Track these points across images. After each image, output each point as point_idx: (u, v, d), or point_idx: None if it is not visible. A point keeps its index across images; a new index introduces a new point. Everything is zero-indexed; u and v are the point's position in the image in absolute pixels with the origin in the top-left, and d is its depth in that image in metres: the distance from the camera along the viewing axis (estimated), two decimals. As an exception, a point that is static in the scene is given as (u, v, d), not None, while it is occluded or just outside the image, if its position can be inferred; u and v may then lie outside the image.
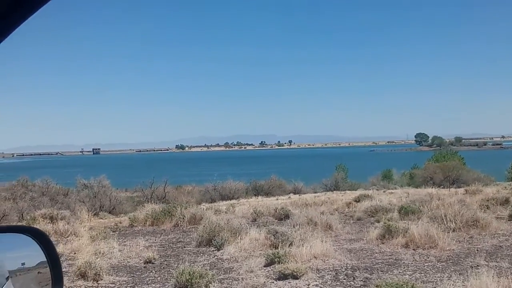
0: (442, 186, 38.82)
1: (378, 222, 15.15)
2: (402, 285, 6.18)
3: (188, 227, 15.90)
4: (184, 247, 12.35)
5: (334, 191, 44.52)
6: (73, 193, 46.00)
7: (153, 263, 10.33)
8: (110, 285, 8.73)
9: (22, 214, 31.46)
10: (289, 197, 37.78)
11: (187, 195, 50.57)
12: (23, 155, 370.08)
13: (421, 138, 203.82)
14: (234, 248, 11.37)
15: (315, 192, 45.55)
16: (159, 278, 9.06)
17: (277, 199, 33.39)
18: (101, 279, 8.89)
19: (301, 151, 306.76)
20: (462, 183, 45.29)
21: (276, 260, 9.27)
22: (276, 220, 16.61)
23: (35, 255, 2.12)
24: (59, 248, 12.15)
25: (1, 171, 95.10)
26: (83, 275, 8.86)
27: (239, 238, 12.00)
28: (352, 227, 14.45)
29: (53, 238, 14.57)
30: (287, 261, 9.19)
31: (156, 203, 35.21)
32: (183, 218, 16.37)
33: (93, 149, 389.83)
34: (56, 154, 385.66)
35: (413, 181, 54.53)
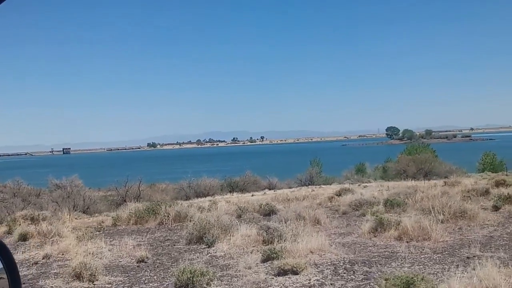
0: (416, 179, 39.36)
1: (364, 215, 15.25)
2: (412, 277, 6.17)
3: (173, 225, 15.73)
4: (174, 245, 12.18)
5: (309, 186, 44.79)
6: (46, 193, 45.27)
7: (145, 262, 10.16)
8: (107, 285, 8.54)
9: None
10: (264, 193, 37.89)
11: (162, 193, 50.27)
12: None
13: (392, 132, 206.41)
14: (225, 245, 11.28)
15: (290, 188, 45.75)
16: (155, 277, 8.91)
17: (252, 195, 33.41)
18: (97, 280, 8.69)
19: (274, 147, 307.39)
20: (435, 175, 46.15)
21: (272, 256, 9.21)
22: (262, 216, 16.55)
23: None
24: (46, 249, 11.88)
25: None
26: (78, 276, 8.65)
27: (229, 235, 11.91)
28: (339, 221, 14.48)
29: (36, 240, 14.25)
30: (283, 256, 9.14)
31: (131, 201, 34.89)
32: (168, 216, 16.18)
33: (63, 148, 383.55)
34: (25, 154, 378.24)
35: (387, 174, 55.27)
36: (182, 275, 7.55)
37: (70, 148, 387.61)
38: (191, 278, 7.48)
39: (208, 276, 7.66)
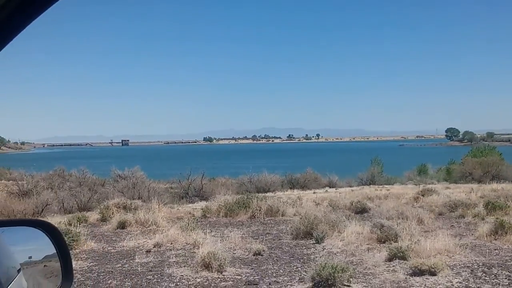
0: (482, 182, 38.00)
1: (463, 217, 14.74)
2: None
3: (266, 219, 15.62)
4: (280, 239, 12.03)
5: (371, 185, 43.92)
6: (109, 183, 46.31)
7: (262, 255, 10.05)
8: (236, 276, 8.47)
9: (81, 203, 31.74)
10: (326, 190, 37.32)
11: (223, 188, 50.49)
12: (54, 145, 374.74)
13: (451, 133, 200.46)
14: (336, 241, 11.05)
15: (350, 186, 45.01)
16: (281, 271, 8.78)
17: (314, 193, 32.87)
18: (225, 271, 8.63)
19: (329, 144, 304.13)
20: (503, 179, 44.33)
21: (399, 254, 8.90)
22: (353, 213, 16.22)
23: (45, 248, 2.16)
24: (155, 238, 12.00)
25: (34, 161, 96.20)
26: (206, 266, 8.61)
27: (337, 231, 11.67)
28: (440, 222, 13.97)
29: (134, 228, 14.45)
30: (410, 256, 8.82)
31: (194, 195, 35.07)
32: (260, 210, 16.08)
33: (122, 140, 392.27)
34: (86, 145, 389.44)
35: (450, 176, 53.58)
36: (323, 271, 7.34)
37: (128, 140, 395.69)
38: (332, 274, 7.27)
39: (349, 273, 7.43)
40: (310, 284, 7.64)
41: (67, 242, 2.34)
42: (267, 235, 12.91)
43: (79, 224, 16.24)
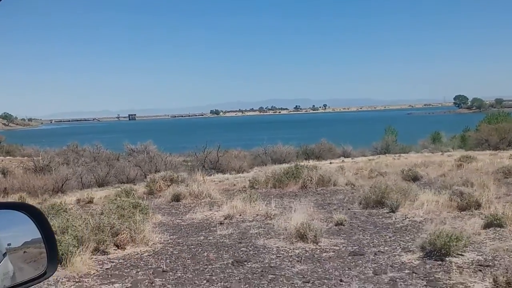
0: (499, 149, 37.71)
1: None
2: None
3: (318, 189, 15.36)
4: (348, 209, 11.77)
5: (386, 154, 43.68)
6: (124, 157, 46.16)
7: (343, 225, 9.81)
8: (334, 247, 8.26)
9: (146, 175, 31.68)
10: (343, 160, 37.04)
11: (239, 160, 50.25)
12: (61, 121, 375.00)
13: (460, 101, 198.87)
14: (411, 209, 10.80)
15: (364, 156, 44.80)
16: (375, 241, 8.57)
17: (330, 163, 32.54)
18: (320, 241, 8.40)
19: (337, 115, 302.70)
20: (519, 145, 43.98)
21: (495, 222, 8.64)
22: (405, 181, 15.93)
23: (28, 233, 2.12)
24: (222, 211, 11.79)
25: (43, 137, 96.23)
26: (301, 237, 8.38)
27: (408, 200, 11.41)
28: (506, 189, 13.66)
29: (189, 201, 14.24)
30: (506, 223, 8.57)
31: (210, 168, 34.78)
32: (311, 180, 15.81)
33: (129, 115, 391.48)
34: (93, 120, 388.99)
35: (465, 143, 53.23)
36: (437, 239, 7.08)
37: (135, 115, 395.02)
38: (447, 243, 7.02)
39: (463, 242, 7.17)
40: (421, 254, 7.41)
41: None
42: (329, 205, 12.66)
43: (127, 197, 16.08)
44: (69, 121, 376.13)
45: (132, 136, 68.76)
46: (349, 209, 11.82)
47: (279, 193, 15.30)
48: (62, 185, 31.60)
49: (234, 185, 18.34)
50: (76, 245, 7.34)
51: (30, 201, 16.46)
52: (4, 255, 2.00)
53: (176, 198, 14.60)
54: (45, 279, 2.17)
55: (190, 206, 13.55)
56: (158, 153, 43.76)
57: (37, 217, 2.17)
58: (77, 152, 49.19)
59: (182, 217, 11.87)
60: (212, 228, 10.28)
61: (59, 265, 6.82)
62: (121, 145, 52.89)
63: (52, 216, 11.73)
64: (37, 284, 2.10)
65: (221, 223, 10.69)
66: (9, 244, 2.06)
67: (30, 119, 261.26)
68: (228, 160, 44.28)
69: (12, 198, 16.82)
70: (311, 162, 38.07)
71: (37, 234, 2.13)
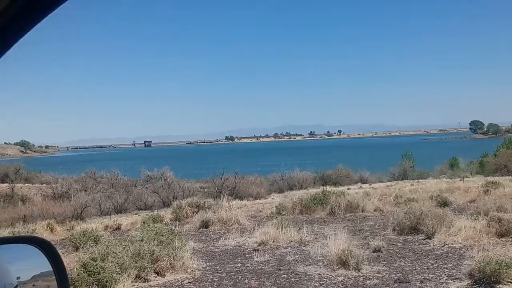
0: None
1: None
2: None
3: (346, 215, 15.22)
4: (383, 235, 11.61)
5: (404, 180, 43.29)
6: (141, 184, 46.25)
7: (381, 252, 9.67)
8: (377, 274, 8.13)
9: (164, 202, 31.69)
10: (360, 186, 36.72)
11: (257, 186, 50.12)
12: (77, 148, 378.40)
13: (475, 126, 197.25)
14: (448, 236, 10.62)
15: (381, 181, 44.39)
16: (418, 268, 8.42)
17: (348, 189, 32.23)
18: (362, 268, 8.27)
19: (351, 141, 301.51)
20: (539, 172, 43.37)
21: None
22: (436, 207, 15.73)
23: (40, 265, 2.12)
24: (255, 237, 11.70)
25: (60, 164, 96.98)
26: (343, 264, 8.27)
27: (444, 226, 11.22)
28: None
29: (218, 227, 14.17)
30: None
31: (227, 194, 34.64)
32: (339, 206, 15.67)
33: (144, 141, 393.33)
34: (109, 147, 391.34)
35: (483, 169, 52.63)
36: (486, 266, 6.93)
37: (151, 141, 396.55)
38: (497, 270, 6.87)
39: (514, 268, 7.01)
40: (469, 281, 7.25)
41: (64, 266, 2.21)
42: (361, 231, 12.52)
43: (154, 224, 16.06)
44: (86, 148, 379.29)
45: (148, 162, 68.86)
46: (383, 235, 11.66)
47: (307, 219, 15.18)
48: (81, 212, 31.68)
49: (260, 211, 18.28)
50: (120, 272, 7.30)
51: (58, 227, 16.49)
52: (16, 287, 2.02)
53: (205, 224, 14.56)
54: None
55: (219, 232, 13.49)
56: (176, 179, 43.86)
57: (47, 249, 2.17)
58: (95, 179, 49.38)
59: (214, 243, 11.80)
60: (247, 255, 10.19)
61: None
62: (138, 171, 53.05)
63: (89, 243, 11.74)
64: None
65: (255, 250, 10.60)
66: (18, 278, 2.06)
67: (47, 146, 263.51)
68: (246, 186, 44.15)
69: (40, 225, 16.84)
70: (329, 188, 37.86)
71: (47, 267, 2.12)
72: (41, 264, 2.11)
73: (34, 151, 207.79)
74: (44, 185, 48.15)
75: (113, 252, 7.93)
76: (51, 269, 2.12)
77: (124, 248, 8.19)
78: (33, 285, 2.13)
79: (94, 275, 6.97)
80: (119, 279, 7.12)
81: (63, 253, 11.19)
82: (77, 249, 11.90)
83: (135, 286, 7.63)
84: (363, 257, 8.46)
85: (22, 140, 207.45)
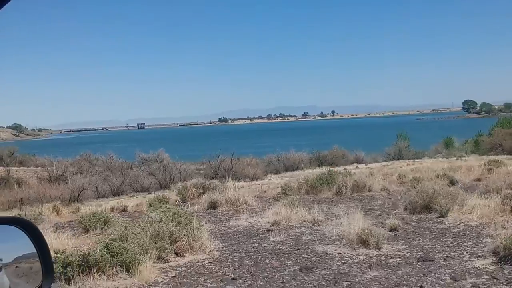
0: None
1: None
2: None
3: (353, 195, 15.20)
4: (395, 214, 11.60)
5: (400, 160, 43.39)
6: (136, 166, 46.12)
7: (397, 231, 9.65)
8: (398, 253, 8.10)
9: (161, 184, 31.55)
10: (356, 166, 36.78)
11: (253, 167, 50.12)
12: (70, 131, 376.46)
13: (468, 106, 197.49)
14: (462, 214, 10.61)
15: (376, 162, 44.47)
16: (438, 246, 8.40)
17: (344, 169, 32.22)
18: (382, 247, 8.24)
19: (345, 121, 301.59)
20: (534, 150, 43.59)
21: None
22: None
23: (24, 247, 2.12)
24: (267, 217, 11.65)
25: (53, 146, 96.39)
26: (363, 243, 8.23)
27: (456, 204, 11.21)
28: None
29: (226, 208, 14.11)
30: None
31: (223, 176, 34.60)
32: (345, 186, 15.63)
33: (137, 124, 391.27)
34: (102, 129, 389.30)
35: (479, 148, 52.81)
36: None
37: (144, 123, 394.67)
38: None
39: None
40: (494, 259, 7.23)
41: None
42: (371, 211, 12.49)
43: (161, 205, 15.98)
44: (79, 130, 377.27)
45: (142, 145, 68.49)
46: (394, 214, 11.64)
47: (314, 199, 15.14)
48: (79, 194, 31.57)
49: (265, 191, 18.24)
50: (142, 253, 7.22)
51: (64, 209, 16.38)
52: (0, 269, 2.02)
53: (213, 205, 14.50)
54: None
55: (228, 213, 13.44)
56: (172, 161, 43.72)
57: (31, 231, 2.16)
58: (90, 162, 49.19)
59: (225, 224, 11.75)
60: (261, 235, 10.15)
61: (128, 273, 6.72)
62: (132, 154, 52.83)
63: (99, 225, 11.66)
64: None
65: (269, 230, 10.55)
66: (0, 260, 2.06)
67: (39, 129, 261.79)
68: (242, 167, 44.14)
69: (46, 207, 16.72)
70: (324, 169, 37.89)
71: (31, 248, 2.13)
72: (24, 245, 2.11)
73: (27, 134, 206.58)
74: (39, 168, 47.93)
75: (132, 233, 7.84)
76: (35, 250, 2.12)
77: (143, 229, 8.11)
78: (16, 266, 2.14)
79: (117, 256, 6.88)
80: (142, 260, 7.04)
81: (73, 235, 11.12)
82: (87, 231, 11.83)
83: (157, 267, 7.55)
84: (383, 236, 8.41)
85: (14, 123, 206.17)
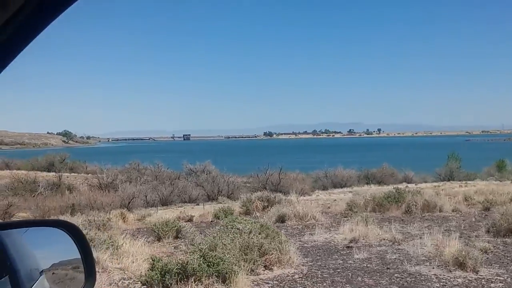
0: None
1: None
2: None
3: (424, 215, 14.78)
4: (476, 236, 11.15)
5: (450, 181, 42.29)
6: (183, 177, 46.41)
7: (487, 254, 9.23)
8: (498, 277, 7.71)
9: (208, 195, 31.65)
10: (406, 186, 35.90)
11: (300, 182, 49.70)
12: (118, 139, 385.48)
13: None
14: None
15: (425, 182, 43.44)
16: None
17: (394, 188, 31.40)
18: (479, 271, 7.88)
19: (391, 139, 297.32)
20: None
21: None
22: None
23: (67, 249, 2.10)
24: (343, 234, 11.41)
25: (101, 154, 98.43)
26: (460, 265, 7.89)
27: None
28: None
29: (294, 222, 13.93)
30: None
31: (271, 190, 34.38)
32: (415, 205, 15.22)
33: (183, 135, 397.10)
34: (149, 139, 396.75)
35: (533, 172, 51.01)
36: None
37: (190, 135, 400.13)
38: None
39: None
40: None
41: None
42: (448, 232, 12.04)
43: (226, 216, 15.94)
44: (126, 139, 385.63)
45: (188, 156, 69.35)
46: (476, 237, 11.20)
47: (382, 217, 14.80)
48: (129, 202, 32.00)
49: (329, 207, 18.00)
50: (237, 264, 7.11)
51: (131, 216, 16.55)
52: (41, 273, 2.01)
53: (281, 219, 14.35)
54: None
55: (297, 227, 13.25)
56: (220, 173, 43.88)
57: (75, 233, 2.17)
58: (138, 171, 49.91)
59: (300, 238, 11.57)
60: (341, 251, 9.92)
61: (224, 284, 6.61)
62: (178, 164, 53.36)
63: (171, 234, 11.67)
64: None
65: (348, 247, 10.30)
66: (46, 262, 2.06)
67: (88, 137, 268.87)
68: (289, 182, 43.87)
69: (113, 214, 16.94)
70: (373, 187, 37.36)
71: (74, 251, 2.13)
72: (68, 248, 2.12)
73: (76, 142, 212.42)
74: (90, 175, 48.99)
75: (223, 244, 7.75)
76: (78, 254, 2.13)
77: (232, 240, 8.00)
78: (61, 269, 2.15)
79: (213, 266, 6.79)
80: (237, 272, 6.92)
81: (147, 241, 11.14)
82: (159, 239, 11.85)
83: (249, 279, 7.42)
84: (481, 258, 8.05)
85: (64, 130, 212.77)
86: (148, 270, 6.80)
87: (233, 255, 7.44)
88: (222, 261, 6.84)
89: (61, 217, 21.54)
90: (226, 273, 6.78)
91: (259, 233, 8.45)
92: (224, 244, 7.74)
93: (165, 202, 33.85)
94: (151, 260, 6.97)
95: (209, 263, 6.79)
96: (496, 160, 60.42)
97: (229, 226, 8.71)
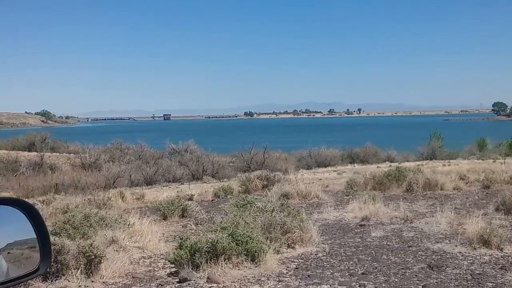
0: None
1: None
2: None
3: (425, 193, 14.80)
4: (485, 214, 11.13)
5: (433, 160, 42.75)
6: (167, 156, 46.12)
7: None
8: (520, 256, 7.65)
9: (193, 175, 31.31)
10: (390, 165, 36.13)
11: (284, 162, 49.70)
12: (97, 119, 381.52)
13: (498, 107, 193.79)
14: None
15: (407, 161, 43.81)
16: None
17: (378, 167, 31.52)
18: (504, 248, 7.84)
19: (372, 119, 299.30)
20: None
21: None
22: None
23: (23, 229, 2.11)
24: (352, 212, 11.34)
25: (81, 134, 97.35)
26: (484, 242, 7.83)
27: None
28: None
29: (297, 201, 13.82)
30: None
31: (256, 169, 34.32)
32: (417, 183, 15.23)
33: (164, 115, 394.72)
34: (128, 119, 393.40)
35: (512, 151, 51.76)
36: None
37: (170, 115, 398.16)
38: None
39: None
40: None
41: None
42: (456, 209, 12.05)
43: (226, 195, 15.80)
44: (105, 119, 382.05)
45: (169, 135, 68.82)
46: (484, 214, 11.18)
47: (384, 196, 14.72)
48: (114, 182, 31.66)
49: (327, 186, 17.94)
50: (266, 242, 6.95)
51: (128, 195, 16.26)
52: None
53: (284, 197, 14.21)
54: (38, 275, 2.17)
55: (302, 206, 13.12)
56: (205, 153, 43.65)
57: (31, 213, 2.15)
58: (121, 150, 49.44)
59: (309, 217, 11.44)
60: (355, 230, 9.84)
61: (253, 262, 6.44)
62: (160, 144, 53.05)
63: (177, 212, 11.45)
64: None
65: (361, 225, 10.22)
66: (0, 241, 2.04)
67: (67, 117, 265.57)
68: (274, 161, 43.79)
69: (112, 193, 16.61)
70: (357, 166, 37.53)
71: (30, 231, 2.13)
72: (23, 227, 2.11)
73: (55, 121, 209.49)
74: (72, 154, 48.37)
75: (245, 222, 7.57)
76: (33, 233, 2.12)
77: (254, 219, 7.83)
78: (17, 248, 2.13)
79: (242, 244, 6.61)
80: (266, 250, 6.76)
81: (153, 220, 10.91)
82: (165, 218, 11.64)
83: (275, 258, 7.26)
84: (506, 236, 8.00)
85: (43, 110, 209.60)
86: (176, 249, 6.59)
87: (256, 234, 7.26)
88: (251, 239, 6.66)
89: (47, 197, 21.09)
90: (255, 252, 6.61)
91: (281, 211, 8.29)
92: (247, 223, 7.56)
93: (149, 182, 33.56)
94: (178, 239, 6.77)
95: (238, 242, 6.62)
96: (475, 139, 61.24)
97: (247, 205, 8.52)
